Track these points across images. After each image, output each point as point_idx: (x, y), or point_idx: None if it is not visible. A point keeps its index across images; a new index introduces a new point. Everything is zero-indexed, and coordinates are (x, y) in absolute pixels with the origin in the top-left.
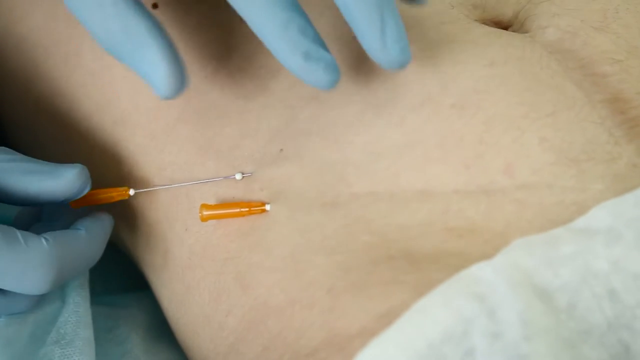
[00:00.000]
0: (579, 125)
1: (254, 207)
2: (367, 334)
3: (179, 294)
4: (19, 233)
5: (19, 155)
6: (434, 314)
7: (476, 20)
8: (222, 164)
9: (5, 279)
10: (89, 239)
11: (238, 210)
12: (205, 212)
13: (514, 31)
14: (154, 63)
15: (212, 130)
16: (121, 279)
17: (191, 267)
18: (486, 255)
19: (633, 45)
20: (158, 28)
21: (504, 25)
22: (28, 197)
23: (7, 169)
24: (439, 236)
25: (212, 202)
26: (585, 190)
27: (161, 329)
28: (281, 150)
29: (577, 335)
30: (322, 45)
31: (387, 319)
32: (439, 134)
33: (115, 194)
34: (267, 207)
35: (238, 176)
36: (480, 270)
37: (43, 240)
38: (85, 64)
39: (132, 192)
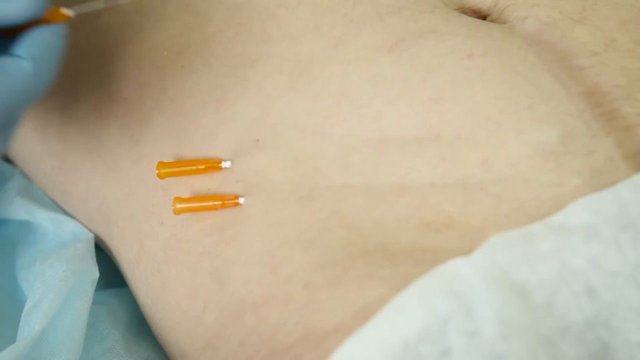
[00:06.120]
0: (556, 118)
1: (228, 200)
2: (343, 329)
3: (155, 289)
4: None
5: None
6: (411, 311)
7: (455, 9)
8: (198, 155)
9: None
10: (36, 72)
11: (211, 203)
12: (179, 205)
13: (492, 20)
14: None
15: (188, 120)
16: (100, 275)
17: (167, 262)
18: (463, 250)
19: (611, 38)
20: None
21: (482, 13)
22: None
23: None
24: (415, 230)
25: (187, 195)
26: (562, 185)
27: (141, 325)
28: (257, 140)
29: (556, 332)
30: None
31: (363, 314)
32: (416, 127)
33: (205, 165)
34: (241, 200)
35: (227, 164)
36: (458, 267)
37: None
38: None
39: (227, 164)
